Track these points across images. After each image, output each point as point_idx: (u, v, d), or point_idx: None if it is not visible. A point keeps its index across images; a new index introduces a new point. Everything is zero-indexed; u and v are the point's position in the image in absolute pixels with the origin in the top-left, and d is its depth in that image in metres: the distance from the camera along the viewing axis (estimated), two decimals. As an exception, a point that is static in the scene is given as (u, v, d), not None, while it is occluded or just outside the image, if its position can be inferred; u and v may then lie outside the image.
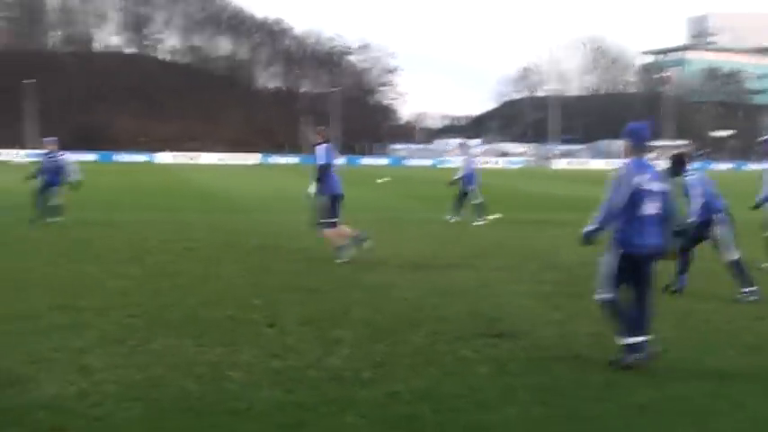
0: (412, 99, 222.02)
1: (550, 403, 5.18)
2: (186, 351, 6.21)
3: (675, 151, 10.10)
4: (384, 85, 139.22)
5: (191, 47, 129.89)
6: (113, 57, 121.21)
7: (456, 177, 18.73)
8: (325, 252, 12.12)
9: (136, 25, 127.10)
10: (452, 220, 17.68)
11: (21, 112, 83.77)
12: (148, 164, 72.36)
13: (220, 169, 58.65)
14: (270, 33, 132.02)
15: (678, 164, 8.95)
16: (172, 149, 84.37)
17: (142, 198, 24.55)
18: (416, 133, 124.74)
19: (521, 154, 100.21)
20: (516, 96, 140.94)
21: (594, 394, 5.40)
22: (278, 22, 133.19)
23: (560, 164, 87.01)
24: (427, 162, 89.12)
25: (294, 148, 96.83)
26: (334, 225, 11.54)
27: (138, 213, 18.76)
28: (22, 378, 5.39)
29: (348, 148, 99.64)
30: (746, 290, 8.89)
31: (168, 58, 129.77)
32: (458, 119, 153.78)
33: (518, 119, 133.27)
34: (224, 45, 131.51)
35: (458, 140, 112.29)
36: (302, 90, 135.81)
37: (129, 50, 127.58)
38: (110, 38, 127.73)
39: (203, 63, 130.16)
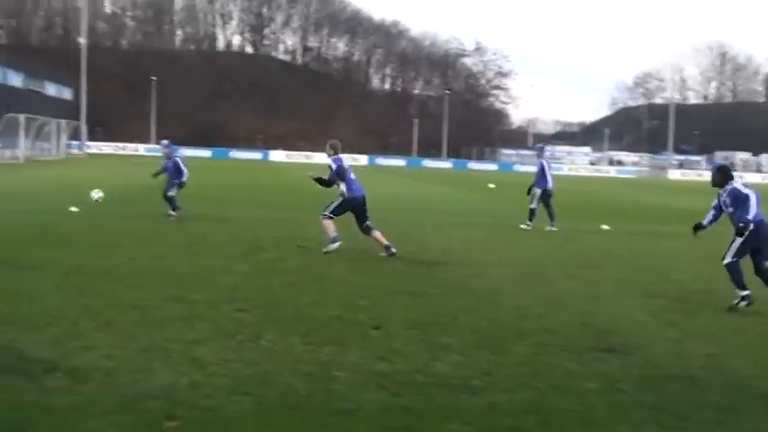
0: (525, 103, 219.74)
1: (665, 424, 4.97)
2: (294, 349, 6.30)
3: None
4: (497, 88, 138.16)
5: (308, 47, 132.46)
6: (234, 56, 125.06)
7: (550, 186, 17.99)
8: (430, 255, 12.12)
9: (256, 25, 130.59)
10: (548, 229, 17.17)
11: (147, 108, 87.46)
12: (263, 161, 74.15)
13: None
14: (386, 35, 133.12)
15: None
16: (286, 148, 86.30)
17: (256, 195, 25.17)
18: (528, 139, 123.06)
19: (634, 163, 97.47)
20: (632, 104, 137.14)
21: (713, 417, 5.16)
22: (395, 23, 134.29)
23: (675, 174, 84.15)
24: (534, 168, 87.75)
25: (401, 150, 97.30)
26: (331, 218, 12.08)
27: (252, 210, 19.24)
28: (136, 367, 5.59)
29: (455, 152, 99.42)
30: None
31: (286, 58, 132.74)
32: (570, 125, 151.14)
33: (632, 127, 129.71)
34: (340, 46, 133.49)
35: (567, 148, 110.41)
36: (415, 92, 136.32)
37: (249, 50, 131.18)
38: (231, 37, 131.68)
39: (320, 63, 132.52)
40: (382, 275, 10.10)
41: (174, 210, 16.22)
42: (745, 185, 9.36)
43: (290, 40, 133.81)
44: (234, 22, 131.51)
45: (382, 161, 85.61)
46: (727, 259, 8.92)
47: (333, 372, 5.70)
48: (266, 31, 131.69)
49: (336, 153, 12.47)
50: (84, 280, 8.77)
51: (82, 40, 75.68)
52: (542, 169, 18.08)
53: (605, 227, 17.93)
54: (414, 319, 7.57)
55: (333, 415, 4.84)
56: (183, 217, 16.15)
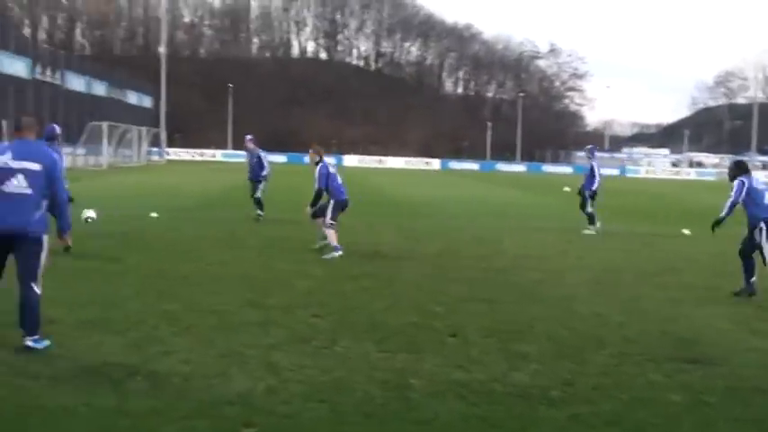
0: (600, 105, 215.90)
1: (754, 440, 4.77)
2: (369, 355, 6.28)
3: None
4: (572, 90, 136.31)
5: (381, 52, 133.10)
6: (308, 62, 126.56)
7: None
8: (505, 261, 11.97)
9: (330, 31, 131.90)
10: (587, 232, 16.83)
11: (224, 115, 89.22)
12: (336, 166, 74.67)
13: (406, 173, 59.65)
14: (459, 38, 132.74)
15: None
16: (359, 152, 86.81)
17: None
18: (604, 141, 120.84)
19: (715, 165, 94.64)
20: (712, 104, 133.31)
21: (804, 434, 4.93)
22: (468, 27, 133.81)
23: (758, 176, 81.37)
24: (614, 171, 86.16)
25: (475, 154, 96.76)
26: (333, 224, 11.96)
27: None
28: (213, 372, 5.65)
29: (529, 156, 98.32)
30: None
31: (360, 63, 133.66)
32: (647, 126, 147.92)
33: (713, 127, 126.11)
34: (413, 50, 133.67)
35: (644, 149, 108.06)
36: (488, 95, 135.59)
37: (323, 56, 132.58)
38: (306, 44, 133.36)
39: (393, 68, 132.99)
40: (456, 281, 10.01)
41: (261, 210, 16.78)
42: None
43: (364, 46, 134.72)
44: (308, 29, 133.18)
45: (455, 165, 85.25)
46: None
47: (409, 380, 5.65)
48: (340, 36, 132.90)
49: (321, 158, 12.45)
50: (163, 285, 8.95)
51: (162, 50, 77.67)
52: (592, 171, 17.63)
53: (686, 231, 17.42)
54: (490, 326, 7.46)
55: (409, 424, 4.79)
56: (260, 221, 16.39)
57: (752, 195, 9.71)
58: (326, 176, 12.14)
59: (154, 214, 16.84)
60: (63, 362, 5.75)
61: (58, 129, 12.00)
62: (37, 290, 6.05)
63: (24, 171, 5.96)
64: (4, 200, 5.91)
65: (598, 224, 16.97)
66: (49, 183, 6.03)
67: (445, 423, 4.83)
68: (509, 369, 6.04)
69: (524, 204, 26.66)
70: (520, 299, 8.97)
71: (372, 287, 9.33)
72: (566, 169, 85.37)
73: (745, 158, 13.38)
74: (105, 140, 47.46)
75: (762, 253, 9.49)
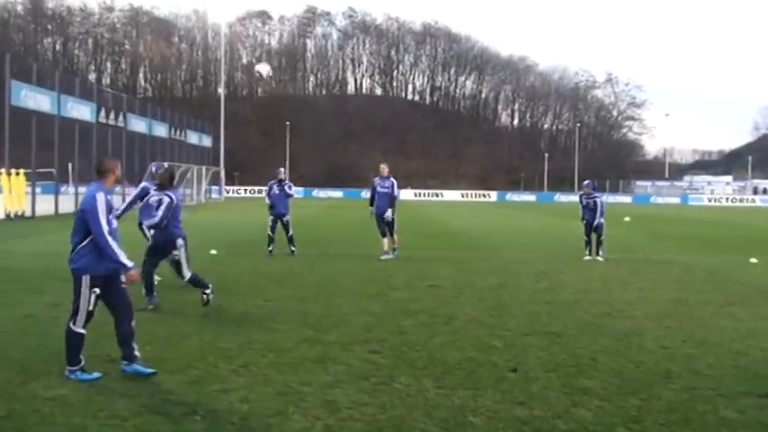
0: (660, 133, 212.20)
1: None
2: (428, 392, 6.17)
3: None
4: (630, 119, 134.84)
5: (436, 86, 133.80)
6: (364, 98, 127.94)
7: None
8: (567, 295, 11.74)
9: (385, 68, 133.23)
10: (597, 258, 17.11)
11: (282, 152, 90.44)
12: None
13: (463, 206, 59.40)
14: (514, 70, 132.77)
15: None
16: (415, 186, 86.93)
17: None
18: (665, 169, 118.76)
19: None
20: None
21: None
22: (523, 59, 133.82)
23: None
24: (675, 200, 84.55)
25: (532, 185, 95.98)
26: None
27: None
28: (271, 411, 5.60)
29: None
30: None
31: (415, 98, 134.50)
32: (709, 153, 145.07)
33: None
34: (468, 84, 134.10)
35: (706, 177, 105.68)
36: (544, 126, 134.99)
37: (378, 92, 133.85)
38: (361, 80, 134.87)
39: (448, 102, 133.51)
40: (516, 315, 9.83)
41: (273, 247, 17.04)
42: None
43: (419, 81, 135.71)
44: (363, 66, 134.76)
45: (512, 197, 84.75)
46: None
47: (468, 417, 5.52)
48: (395, 72, 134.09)
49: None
50: (221, 322, 8.98)
51: (221, 90, 79.35)
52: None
53: (754, 260, 16.89)
54: (551, 361, 7.28)
55: (470, 464, 4.66)
56: (316, 257, 16.41)
57: None
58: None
59: (213, 251, 17.02)
60: (124, 400, 5.78)
61: (154, 168, 11.76)
62: (72, 326, 6.46)
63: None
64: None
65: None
66: (83, 223, 6.38)
67: (507, 463, 4.69)
68: (572, 405, 5.86)
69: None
70: (581, 332, 8.75)
71: (431, 322, 9.22)
72: (625, 199, 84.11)
73: None
74: (166, 180, 48.28)
75: None
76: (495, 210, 52.79)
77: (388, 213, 16.39)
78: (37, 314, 9.21)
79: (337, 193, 77.43)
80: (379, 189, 16.61)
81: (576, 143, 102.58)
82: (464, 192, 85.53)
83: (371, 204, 16.70)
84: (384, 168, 16.92)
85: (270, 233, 16.89)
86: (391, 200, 16.55)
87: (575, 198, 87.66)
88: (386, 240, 16.54)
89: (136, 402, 5.72)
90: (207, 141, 68.80)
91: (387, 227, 16.53)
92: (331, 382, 6.35)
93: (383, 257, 16.22)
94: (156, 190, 10.34)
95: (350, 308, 10.14)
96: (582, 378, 6.67)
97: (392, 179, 16.69)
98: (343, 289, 11.97)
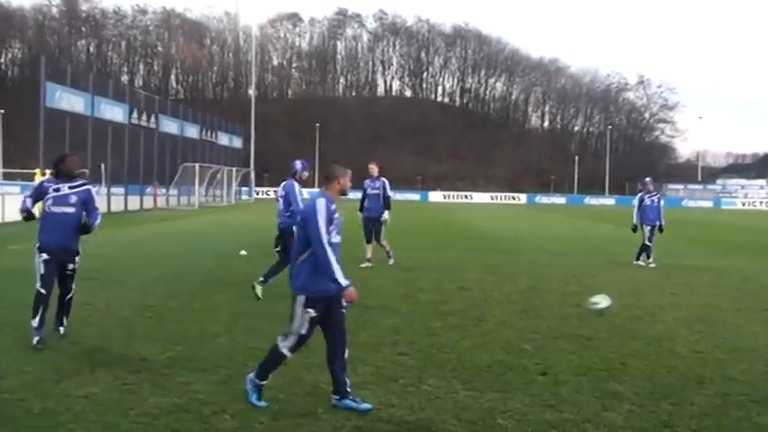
0: (693, 136, 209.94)
1: None
2: (456, 394, 6.15)
3: None
4: (662, 122, 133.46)
5: (465, 88, 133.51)
6: (393, 100, 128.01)
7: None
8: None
9: (415, 70, 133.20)
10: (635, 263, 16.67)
11: (311, 154, 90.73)
12: (421, 202, 74.71)
13: (492, 208, 59.19)
14: (545, 72, 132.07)
15: None
16: (444, 188, 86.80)
17: (416, 236, 25.26)
18: (697, 172, 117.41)
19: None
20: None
21: None
22: (554, 61, 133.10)
23: None
24: (708, 203, 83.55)
25: (562, 188, 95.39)
26: None
27: (412, 252, 19.27)
28: (301, 411, 5.62)
29: (618, 188, 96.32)
30: None
31: (444, 100, 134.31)
32: (742, 157, 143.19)
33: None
34: (498, 86, 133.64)
35: (740, 181, 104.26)
36: (575, 129, 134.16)
37: (407, 94, 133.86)
38: (391, 82, 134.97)
39: (477, 104, 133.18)
40: (546, 318, 9.77)
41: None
42: None
43: (448, 83, 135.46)
44: (393, 68, 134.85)
45: (542, 199, 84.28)
46: None
47: (497, 420, 5.50)
48: (425, 74, 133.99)
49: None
50: (251, 322, 9.03)
51: (251, 92, 79.86)
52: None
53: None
54: (581, 364, 7.22)
55: (499, 467, 4.64)
56: (344, 258, 16.40)
57: None
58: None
59: (243, 252, 17.12)
60: (154, 398, 5.83)
61: (298, 165, 11.61)
62: (279, 343, 5.86)
63: None
64: None
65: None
66: (303, 232, 5.86)
67: (536, 466, 4.66)
68: (602, 409, 5.82)
69: (614, 239, 26.01)
70: (612, 336, 8.67)
71: (460, 325, 9.19)
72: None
73: None
74: (197, 181, 48.85)
75: None
76: (525, 212, 52.53)
77: (386, 216, 15.35)
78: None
79: (366, 195, 77.66)
80: (369, 191, 15.54)
81: (608, 146, 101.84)
82: (493, 194, 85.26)
83: (361, 210, 15.69)
84: (373, 168, 15.72)
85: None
86: (385, 201, 15.41)
87: (606, 201, 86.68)
88: (369, 247, 15.30)
89: (166, 401, 5.77)
90: (237, 143, 69.27)
91: (373, 232, 15.40)
92: (360, 383, 6.35)
93: (363, 265, 14.78)
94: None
95: (378, 309, 10.15)
96: (612, 382, 6.61)
97: (383, 179, 15.51)
98: (372, 290, 11.96)
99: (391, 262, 15.37)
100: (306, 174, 11.65)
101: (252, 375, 5.85)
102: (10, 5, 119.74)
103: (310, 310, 5.71)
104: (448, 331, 8.75)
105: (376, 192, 15.43)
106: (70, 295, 7.91)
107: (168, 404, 5.70)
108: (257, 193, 73.36)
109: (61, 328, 7.84)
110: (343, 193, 5.98)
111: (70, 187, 7.67)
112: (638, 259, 16.85)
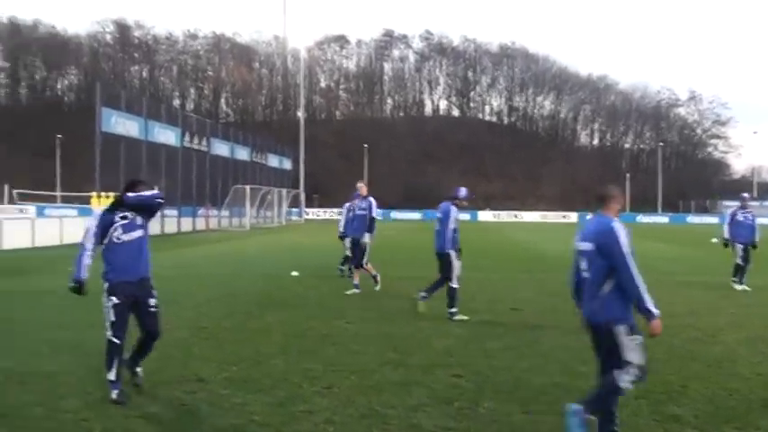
0: (747, 152, 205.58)
1: None
2: (513, 417, 6.09)
3: None
4: (715, 137, 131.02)
5: (513, 107, 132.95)
6: (441, 120, 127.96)
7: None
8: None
9: (462, 89, 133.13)
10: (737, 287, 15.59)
11: (360, 174, 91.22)
12: (471, 222, 74.39)
13: (543, 227, 58.66)
14: (594, 90, 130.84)
15: None
16: (494, 207, 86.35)
17: (467, 256, 25.10)
18: (753, 188, 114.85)
19: None
20: None
21: None
22: (602, 77, 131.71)
23: None
24: (764, 220, 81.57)
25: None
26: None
27: (465, 272, 19.16)
28: (358, 432, 5.62)
29: (671, 206, 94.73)
30: None
31: (492, 119, 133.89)
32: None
33: None
34: (546, 104, 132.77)
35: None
36: (625, 146, 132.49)
37: (455, 113, 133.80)
38: (438, 102, 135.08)
39: (525, 122, 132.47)
40: (602, 339, 9.61)
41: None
42: None
43: (496, 101, 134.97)
44: (440, 88, 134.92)
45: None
46: None
47: (556, 444, 5.42)
48: (472, 93, 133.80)
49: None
50: (305, 344, 9.07)
51: (300, 114, 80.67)
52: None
53: None
54: (640, 387, 7.08)
55: (559, 492, 4.57)
56: (397, 279, 16.39)
57: None
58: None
59: (294, 273, 17.24)
60: (212, 419, 5.89)
61: (463, 192, 11.66)
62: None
63: None
64: None
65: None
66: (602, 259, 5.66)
67: (598, 491, 4.58)
68: (663, 434, 5.70)
69: (669, 258, 25.58)
70: (671, 358, 8.50)
71: (514, 346, 9.11)
72: (712, 219, 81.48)
73: None
74: (248, 202, 49.43)
75: None
76: (576, 231, 51.91)
77: (366, 239, 14.37)
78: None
79: (416, 215, 77.49)
80: (357, 211, 14.96)
81: (659, 162, 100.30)
82: (543, 213, 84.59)
83: (343, 232, 15.81)
84: (362, 188, 15.17)
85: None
86: (369, 222, 14.49)
87: (659, 219, 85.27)
88: (357, 272, 14.51)
89: (223, 422, 5.82)
90: (287, 164, 69.97)
91: (361, 254, 14.50)
92: (415, 406, 6.33)
93: (349, 292, 14.01)
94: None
95: (432, 330, 10.11)
96: (672, 405, 6.49)
97: (370, 199, 14.72)
98: (424, 311, 11.92)
99: (358, 291, 14.15)
100: (465, 203, 11.80)
101: (577, 409, 5.41)
102: (66, 33, 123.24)
103: (638, 336, 5.53)
104: (502, 353, 8.68)
105: (363, 212, 14.75)
106: (158, 339, 6.87)
107: (225, 425, 5.75)
108: (307, 214, 73.86)
109: (138, 369, 6.91)
110: (617, 213, 5.74)
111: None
112: (738, 281, 15.74)
